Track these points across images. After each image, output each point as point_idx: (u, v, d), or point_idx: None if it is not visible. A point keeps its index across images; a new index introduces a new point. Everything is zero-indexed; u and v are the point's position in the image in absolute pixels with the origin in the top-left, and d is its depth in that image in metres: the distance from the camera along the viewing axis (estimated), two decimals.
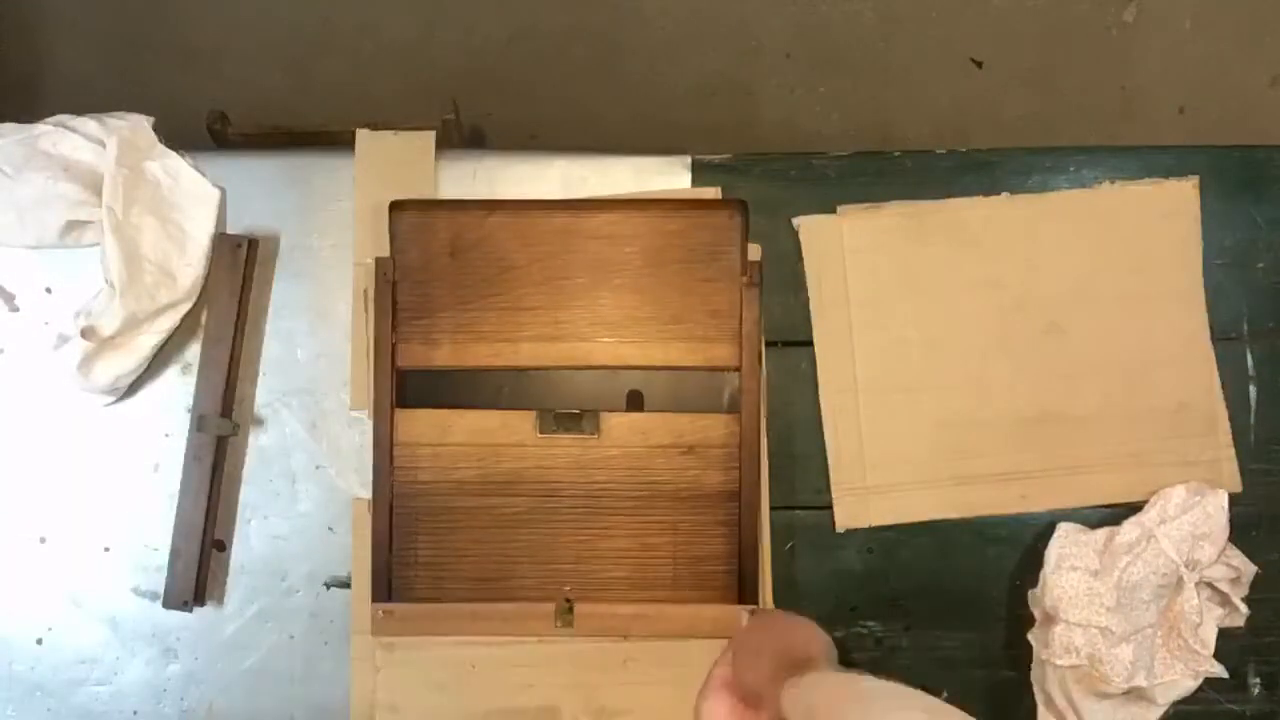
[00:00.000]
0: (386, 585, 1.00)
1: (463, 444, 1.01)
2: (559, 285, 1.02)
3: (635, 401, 1.02)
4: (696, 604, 1.00)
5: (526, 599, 1.01)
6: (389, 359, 1.01)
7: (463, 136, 1.35)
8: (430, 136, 1.05)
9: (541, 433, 1.01)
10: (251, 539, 1.04)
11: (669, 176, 1.05)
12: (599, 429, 1.01)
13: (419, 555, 1.01)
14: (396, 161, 1.05)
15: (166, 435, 1.04)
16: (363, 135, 1.05)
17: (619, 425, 1.01)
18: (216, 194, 1.03)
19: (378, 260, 1.02)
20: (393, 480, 1.01)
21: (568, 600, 1.00)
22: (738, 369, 1.01)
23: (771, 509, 1.03)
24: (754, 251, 1.04)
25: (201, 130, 1.30)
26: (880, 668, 1.04)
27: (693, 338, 1.02)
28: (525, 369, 1.02)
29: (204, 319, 1.03)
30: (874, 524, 1.04)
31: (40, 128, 1.02)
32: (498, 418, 1.01)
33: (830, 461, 1.04)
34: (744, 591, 1.00)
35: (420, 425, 1.01)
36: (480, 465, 1.01)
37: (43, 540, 1.04)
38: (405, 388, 1.02)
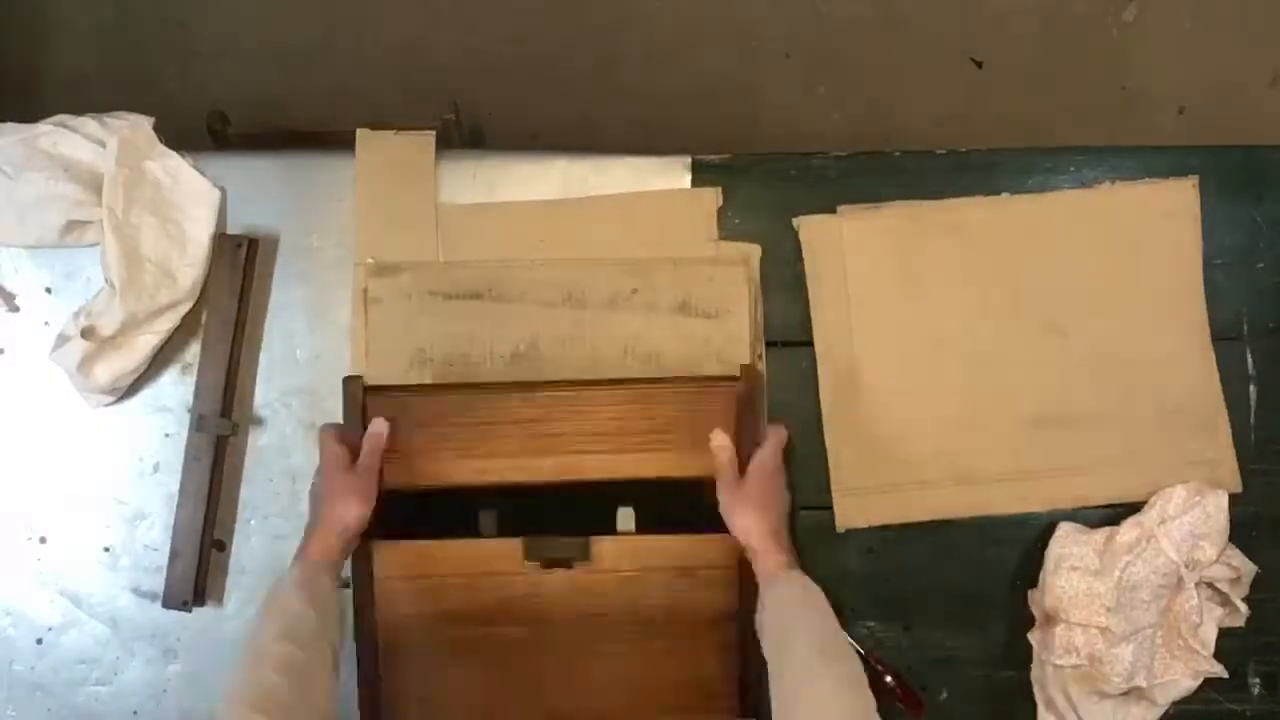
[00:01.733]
0: (375, 716, 0.95)
1: (447, 575, 0.95)
2: (544, 397, 0.96)
3: (626, 520, 0.98)
4: None
5: None
6: None
7: (463, 137, 1.35)
8: (430, 136, 1.05)
9: (529, 560, 0.96)
10: (251, 539, 1.04)
11: (669, 176, 1.05)
12: (589, 554, 0.96)
13: (409, 688, 0.96)
14: (396, 161, 1.05)
15: (166, 435, 1.04)
16: (363, 134, 1.05)
17: (610, 550, 0.96)
18: (216, 194, 1.03)
19: (346, 380, 0.96)
20: (376, 616, 0.95)
21: None
22: None
23: None
24: (754, 251, 1.04)
25: (201, 130, 1.30)
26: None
27: (683, 446, 0.96)
28: (510, 485, 0.96)
29: (204, 319, 1.03)
30: (874, 524, 1.04)
31: (40, 128, 1.02)
32: (484, 547, 0.96)
33: (830, 461, 1.04)
34: (746, 711, 0.96)
35: (404, 558, 0.95)
36: (467, 597, 0.95)
37: (43, 540, 1.04)
38: (388, 507, 0.94)
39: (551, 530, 0.97)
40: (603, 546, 0.97)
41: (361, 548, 0.95)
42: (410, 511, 0.97)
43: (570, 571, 0.96)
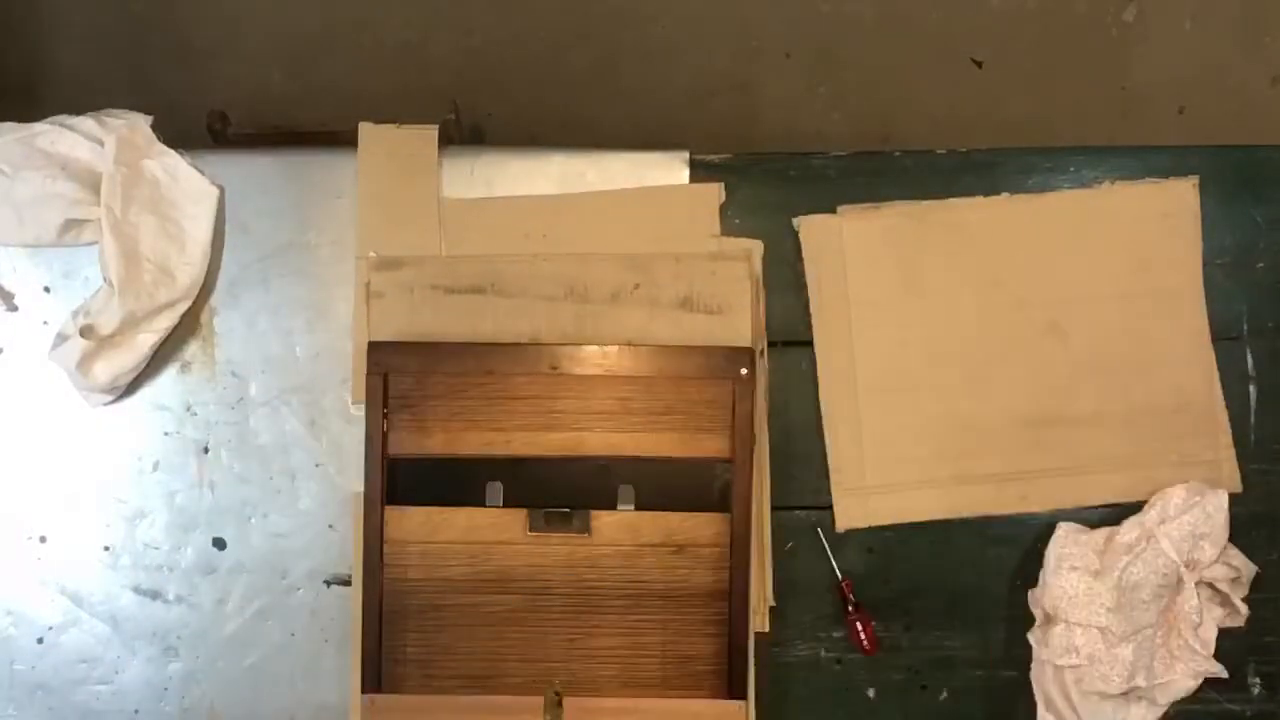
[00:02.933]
0: (376, 675, 0.99)
1: (453, 542, 1.00)
2: (553, 376, 1.01)
3: (627, 496, 1.02)
4: (685, 700, 0.99)
5: (516, 695, 1.00)
6: (380, 448, 1.00)
7: (463, 136, 1.35)
8: (433, 131, 1.05)
9: (532, 531, 1.00)
10: (252, 537, 1.04)
11: (666, 172, 1.05)
12: (589, 527, 1.00)
13: (408, 651, 1.00)
14: (399, 155, 1.05)
15: (166, 434, 1.04)
16: (365, 128, 1.05)
17: (609, 524, 1.01)
18: (215, 192, 1.03)
19: (370, 345, 1.01)
20: (382, 577, 1.00)
21: (556, 693, 0.99)
22: (730, 460, 1.00)
23: (771, 509, 1.03)
24: (756, 247, 1.04)
25: (201, 130, 1.30)
26: (880, 667, 1.04)
27: (685, 428, 1.00)
28: (517, 458, 1.01)
29: (204, 317, 1.03)
30: (874, 524, 1.04)
31: (38, 126, 1.02)
32: (489, 516, 1.01)
33: (830, 462, 1.04)
34: (733, 689, 0.99)
35: (411, 523, 1.00)
36: (470, 563, 1.00)
37: (43, 540, 1.04)
38: (396, 475, 1.01)
39: (558, 501, 1.01)
40: (602, 520, 1.00)
41: (373, 511, 0.99)
42: (421, 480, 1.02)
43: (570, 544, 1.00)
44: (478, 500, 1.02)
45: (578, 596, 1.00)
